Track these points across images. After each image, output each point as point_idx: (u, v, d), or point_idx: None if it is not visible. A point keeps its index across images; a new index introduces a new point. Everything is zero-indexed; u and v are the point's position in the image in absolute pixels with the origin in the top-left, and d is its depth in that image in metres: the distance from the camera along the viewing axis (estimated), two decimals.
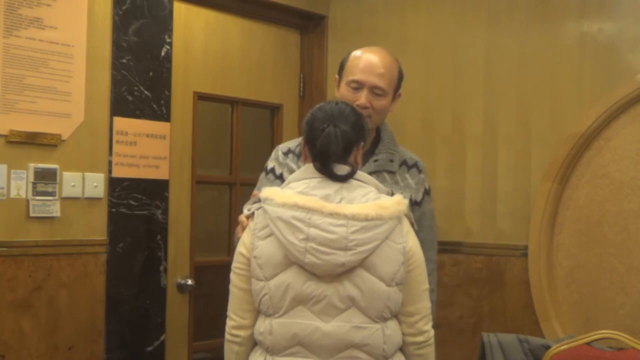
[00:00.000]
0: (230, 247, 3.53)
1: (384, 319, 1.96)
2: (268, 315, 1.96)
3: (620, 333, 2.73)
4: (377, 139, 2.45)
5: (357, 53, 2.45)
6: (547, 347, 2.81)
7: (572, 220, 3.31)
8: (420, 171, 2.51)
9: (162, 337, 3.15)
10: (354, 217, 1.90)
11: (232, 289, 2.04)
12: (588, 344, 2.72)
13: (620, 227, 3.20)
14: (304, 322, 1.92)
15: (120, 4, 3.01)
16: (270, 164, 2.45)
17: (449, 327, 3.52)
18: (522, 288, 3.40)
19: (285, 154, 2.43)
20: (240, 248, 2.02)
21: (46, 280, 2.79)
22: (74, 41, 2.89)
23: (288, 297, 1.93)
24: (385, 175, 2.37)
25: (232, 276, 2.04)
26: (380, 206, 1.94)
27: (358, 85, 2.39)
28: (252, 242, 1.97)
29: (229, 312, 2.05)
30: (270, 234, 1.94)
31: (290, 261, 1.92)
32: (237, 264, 2.03)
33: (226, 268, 3.50)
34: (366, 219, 1.91)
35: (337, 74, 2.49)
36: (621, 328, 2.97)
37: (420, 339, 2.04)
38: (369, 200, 1.96)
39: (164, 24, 3.18)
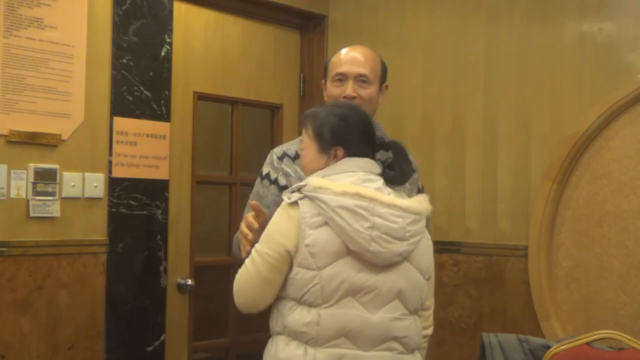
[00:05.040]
0: (230, 248, 3.53)
1: (416, 312, 2.05)
2: (315, 306, 1.95)
3: (620, 333, 2.73)
4: None
5: (339, 52, 2.51)
6: (547, 347, 2.81)
7: (572, 220, 3.31)
8: (414, 171, 2.51)
9: (162, 337, 3.15)
10: (407, 210, 1.99)
11: (255, 272, 2.01)
12: (588, 344, 2.72)
13: (620, 227, 3.20)
14: (353, 312, 1.95)
15: (120, 4, 3.01)
16: (265, 169, 2.45)
17: (449, 327, 3.53)
18: (522, 288, 3.40)
19: (280, 158, 2.42)
20: (280, 239, 1.98)
21: (46, 280, 2.79)
22: (74, 41, 2.89)
23: (342, 288, 1.94)
24: None
25: (260, 262, 2.00)
26: (420, 202, 2.05)
27: (342, 77, 2.42)
28: (302, 231, 1.95)
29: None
30: (324, 223, 1.95)
31: (345, 251, 1.94)
32: (270, 252, 1.99)
33: (226, 268, 3.52)
34: (415, 212, 2.01)
35: (323, 78, 2.52)
36: (621, 328, 2.97)
37: (430, 331, 2.18)
38: (402, 196, 2.06)
39: (164, 24, 3.18)
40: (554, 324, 3.28)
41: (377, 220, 1.94)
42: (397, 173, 2.09)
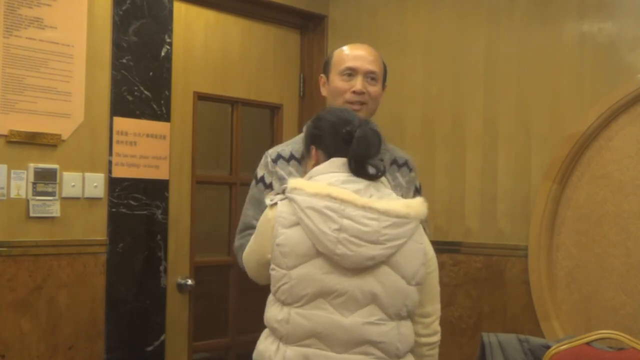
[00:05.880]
0: (230, 247, 3.53)
1: (400, 318, 1.99)
2: (286, 304, 1.96)
3: (620, 333, 2.73)
4: None
5: (342, 48, 2.50)
6: (547, 347, 2.81)
7: (572, 220, 3.31)
8: (411, 169, 2.51)
9: (162, 337, 3.15)
10: (386, 213, 1.94)
11: (247, 261, 2.15)
12: (588, 344, 2.72)
13: (620, 227, 3.20)
14: (324, 314, 1.93)
15: (120, 4, 3.01)
16: (260, 172, 2.44)
17: (449, 327, 3.52)
18: (522, 288, 3.40)
19: (274, 160, 2.42)
20: (262, 244, 2.05)
21: (46, 280, 2.79)
22: (74, 41, 2.89)
23: (310, 289, 1.93)
24: None
25: (251, 256, 2.13)
26: (408, 205, 1.99)
27: (352, 72, 2.41)
28: (275, 230, 1.97)
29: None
30: (296, 223, 1.95)
31: (315, 252, 1.93)
32: (256, 250, 2.08)
33: (226, 268, 3.52)
34: (397, 215, 1.95)
35: (323, 73, 2.51)
36: (621, 328, 2.97)
37: (434, 339, 2.11)
38: (395, 200, 2.01)
39: (164, 24, 3.18)
40: (554, 324, 3.28)
41: (345, 222, 1.90)
42: (351, 162, 2.00)
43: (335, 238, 1.90)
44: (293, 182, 2.00)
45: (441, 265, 3.52)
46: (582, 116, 3.28)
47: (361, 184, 1.98)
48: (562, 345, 2.74)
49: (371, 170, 2.02)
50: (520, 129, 3.45)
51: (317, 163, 2.08)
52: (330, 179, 1.98)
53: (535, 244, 3.34)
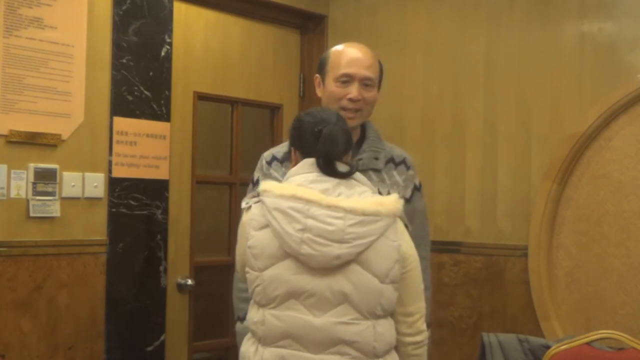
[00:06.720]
0: (230, 247, 3.53)
1: (376, 316, 1.96)
2: (261, 306, 1.97)
3: (620, 333, 2.73)
4: (362, 138, 2.43)
5: (338, 48, 2.45)
6: (547, 347, 2.81)
7: (572, 220, 3.31)
8: (408, 167, 2.48)
9: (162, 337, 3.15)
10: (352, 211, 1.91)
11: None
12: (588, 344, 2.72)
13: (620, 227, 3.20)
14: (296, 315, 1.93)
15: (120, 4, 3.01)
16: (256, 174, 2.44)
17: (449, 327, 3.52)
18: (522, 288, 3.40)
19: (269, 162, 2.41)
20: (239, 246, 2.05)
21: (46, 280, 2.79)
22: (74, 41, 2.89)
23: (281, 290, 1.93)
24: (371, 173, 2.35)
25: (236, 259, 2.12)
26: (379, 203, 1.96)
27: (348, 79, 2.38)
28: (247, 233, 1.98)
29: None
30: (266, 225, 1.95)
31: (285, 253, 1.93)
32: (237, 251, 2.08)
33: (226, 268, 3.52)
34: (363, 213, 1.92)
35: (318, 73, 2.47)
36: (621, 328, 2.97)
37: (419, 338, 2.06)
38: (366, 198, 1.98)
39: (164, 24, 3.18)
40: (554, 324, 3.28)
41: (309, 222, 1.89)
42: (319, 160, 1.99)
43: (299, 238, 1.89)
44: (263, 185, 2.00)
45: (441, 265, 3.58)
46: (582, 116, 3.28)
47: (330, 182, 1.97)
48: (562, 345, 2.74)
49: (342, 168, 2.00)
50: (520, 129, 3.45)
51: (295, 164, 2.08)
52: (300, 179, 1.98)
53: (535, 244, 3.34)
